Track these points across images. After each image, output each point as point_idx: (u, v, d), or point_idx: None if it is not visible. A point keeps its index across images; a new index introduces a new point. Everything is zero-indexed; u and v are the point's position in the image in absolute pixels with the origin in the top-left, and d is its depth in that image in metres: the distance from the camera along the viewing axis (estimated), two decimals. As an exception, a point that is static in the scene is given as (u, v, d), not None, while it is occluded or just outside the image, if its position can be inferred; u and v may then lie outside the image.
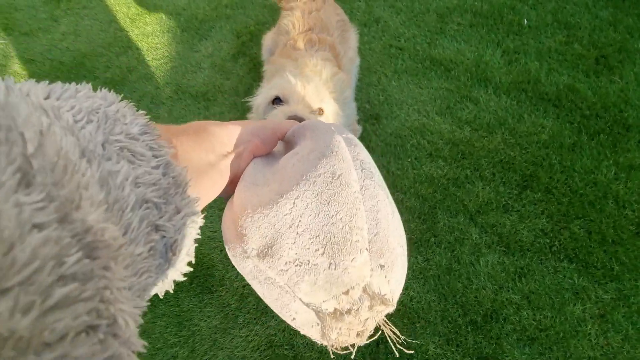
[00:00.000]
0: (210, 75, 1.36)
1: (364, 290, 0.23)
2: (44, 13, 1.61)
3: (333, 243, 0.23)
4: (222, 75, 1.36)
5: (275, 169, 0.27)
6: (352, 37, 1.09)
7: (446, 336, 0.92)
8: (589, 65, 1.27)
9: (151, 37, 1.49)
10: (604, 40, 1.31)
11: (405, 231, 1.09)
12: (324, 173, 0.24)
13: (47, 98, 0.17)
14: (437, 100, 1.24)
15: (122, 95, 0.21)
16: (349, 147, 0.27)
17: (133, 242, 0.17)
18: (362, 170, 0.26)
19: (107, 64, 1.44)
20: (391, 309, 0.25)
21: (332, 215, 0.23)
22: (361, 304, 0.23)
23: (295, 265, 0.23)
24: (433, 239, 1.03)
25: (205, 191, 0.25)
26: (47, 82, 0.18)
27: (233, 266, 1.04)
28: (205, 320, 0.99)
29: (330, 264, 0.23)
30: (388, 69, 1.32)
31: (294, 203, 0.24)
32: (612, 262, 0.97)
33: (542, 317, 0.92)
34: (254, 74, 1.35)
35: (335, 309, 0.23)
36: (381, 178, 0.28)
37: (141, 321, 0.16)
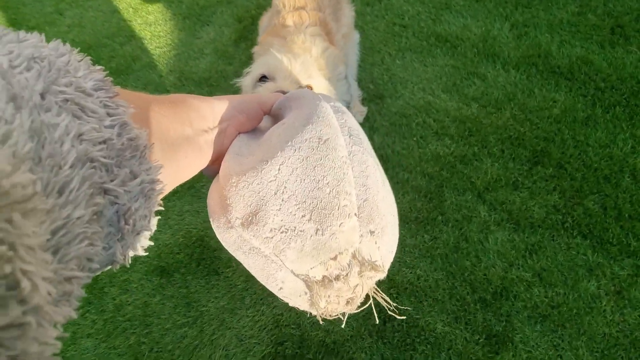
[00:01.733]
0: (212, 60, 1.36)
1: (353, 256, 0.22)
2: (49, 7, 1.63)
3: (320, 208, 0.22)
4: (225, 61, 1.36)
5: (260, 141, 0.26)
6: (347, 14, 1.06)
7: (454, 314, 0.90)
8: (603, 35, 1.21)
9: (154, 25, 1.49)
10: (620, 9, 1.25)
11: (412, 210, 1.07)
12: (310, 138, 0.23)
13: None
14: (442, 78, 1.21)
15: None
16: (337, 115, 0.26)
17: (71, 203, 0.15)
18: (350, 137, 0.25)
19: (111, 54, 1.45)
20: (382, 275, 0.24)
21: (319, 180, 0.22)
22: (350, 269, 0.22)
23: (281, 232, 0.22)
24: (440, 217, 1.01)
25: (179, 166, 0.23)
26: None
27: (239, 248, 1.05)
28: (213, 301, 1.00)
29: (318, 229, 0.22)
30: (392, 48, 1.29)
31: (278, 169, 0.23)
32: (629, 238, 0.93)
33: (554, 294, 0.89)
34: (256, 58, 1.34)
35: (324, 276, 0.22)
36: (370, 147, 0.27)
37: (83, 294, 0.14)
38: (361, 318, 0.92)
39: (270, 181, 0.22)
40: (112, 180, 0.17)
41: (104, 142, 0.17)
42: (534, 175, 1.03)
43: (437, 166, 1.07)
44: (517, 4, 1.31)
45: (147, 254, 0.20)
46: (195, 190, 1.14)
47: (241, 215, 0.23)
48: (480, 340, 0.87)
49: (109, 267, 0.19)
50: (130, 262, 0.19)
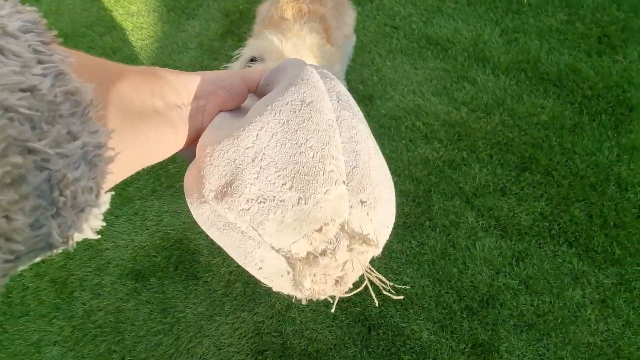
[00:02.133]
0: (197, 55, 1.31)
1: (342, 228, 0.19)
2: (24, -8, 1.54)
3: (302, 174, 0.19)
4: (210, 56, 1.31)
5: (245, 117, 0.23)
6: (349, 14, 1.04)
7: (440, 322, 0.88)
8: (591, 44, 1.22)
9: (136, 16, 1.43)
10: (607, 19, 1.26)
11: (399, 215, 1.03)
12: (292, 101, 0.21)
13: None
14: (432, 81, 1.19)
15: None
16: (324, 80, 0.23)
17: None
18: (338, 102, 0.22)
19: (90, 44, 1.38)
20: (375, 251, 0.21)
21: (301, 144, 0.19)
22: (338, 243, 0.19)
23: (259, 203, 0.19)
24: (428, 223, 0.99)
25: (148, 140, 0.20)
26: None
27: (220, 252, 1.00)
28: (191, 307, 0.95)
29: (300, 198, 0.19)
30: (382, 49, 1.26)
31: (256, 135, 0.20)
32: (614, 246, 0.94)
33: (540, 302, 0.89)
34: (243, 55, 1.30)
35: (308, 253, 0.20)
36: (362, 117, 0.24)
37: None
38: (345, 326, 0.89)
39: (248, 148, 0.20)
40: (40, 140, 0.14)
41: (29, 90, 0.14)
42: (522, 182, 1.02)
43: (425, 170, 1.05)
44: (507, 9, 1.31)
45: (98, 237, 0.16)
46: (174, 190, 1.09)
47: (215, 187, 0.20)
48: (466, 349, 0.85)
49: (48, 253, 0.15)
50: (74, 246, 0.16)
